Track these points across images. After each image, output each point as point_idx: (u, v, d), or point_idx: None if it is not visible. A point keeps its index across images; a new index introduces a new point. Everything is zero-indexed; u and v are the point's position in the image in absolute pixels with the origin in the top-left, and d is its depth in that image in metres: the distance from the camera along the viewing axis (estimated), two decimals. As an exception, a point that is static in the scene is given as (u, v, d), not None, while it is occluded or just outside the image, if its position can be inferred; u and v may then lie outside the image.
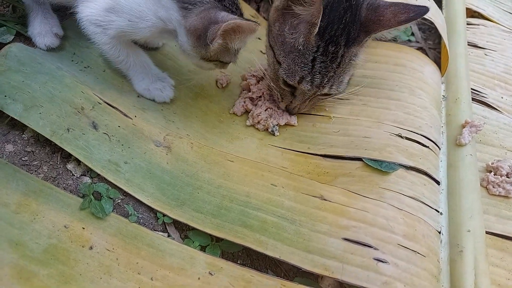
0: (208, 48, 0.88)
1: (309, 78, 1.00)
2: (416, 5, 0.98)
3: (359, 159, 1.03)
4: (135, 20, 0.91)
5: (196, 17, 0.87)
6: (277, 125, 1.12)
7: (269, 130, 1.12)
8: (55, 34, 1.08)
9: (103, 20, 0.93)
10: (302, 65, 0.99)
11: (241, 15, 0.93)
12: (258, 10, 1.49)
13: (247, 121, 1.13)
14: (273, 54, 1.04)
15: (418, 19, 0.97)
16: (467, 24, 1.51)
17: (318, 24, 0.93)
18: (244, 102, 1.15)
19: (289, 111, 1.13)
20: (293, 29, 0.98)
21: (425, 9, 0.96)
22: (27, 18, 1.09)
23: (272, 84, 1.10)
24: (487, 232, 0.99)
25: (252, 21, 0.85)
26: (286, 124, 1.13)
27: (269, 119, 1.11)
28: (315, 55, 0.98)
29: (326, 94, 1.06)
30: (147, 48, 1.16)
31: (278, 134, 1.12)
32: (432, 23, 1.41)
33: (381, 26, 0.97)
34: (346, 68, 1.03)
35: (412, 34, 1.55)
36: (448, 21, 1.48)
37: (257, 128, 1.12)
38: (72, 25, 1.14)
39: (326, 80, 1.01)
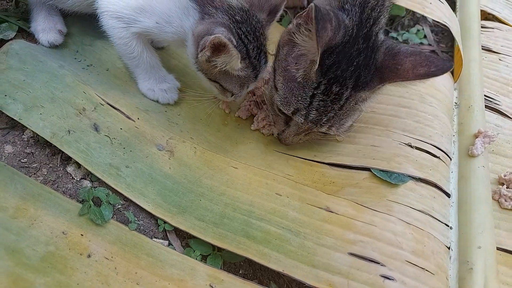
0: (198, 59, 0.88)
1: (304, 112, 0.92)
2: (439, 59, 0.89)
3: (367, 169, 1.00)
4: (163, 24, 0.93)
5: (203, 26, 0.87)
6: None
7: (274, 135, 1.08)
8: (58, 31, 1.06)
9: (128, 18, 0.93)
10: (299, 98, 0.91)
11: (256, 47, 0.90)
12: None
13: (252, 125, 1.10)
14: (274, 78, 0.97)
15: (439, 75, 0.87)
16: (481, 27, 1.46)
17: (318, 62, 0.85)
18: (250, 105, 1.12)
19: (280, 139, 1.04)
20: (296, 59, 0.90)
21: (449, 66, 0.86)
22: (30, 13, 1.07)
23: (268, 107, 1.03)
24: (498, 248, 0.95)
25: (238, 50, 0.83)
26: (293, 130, 1.09)
27: (274, 124, 1.08)
28: (315, 92, 0.90)
29: (324, 133, 0.97)
30: (153, 47, 1.13)
31: None
32: (445, 25, 1.37)
33: (397, 76, 0.88)
34: (350, 112, 0.94)
35: (425, 36, 1.51)
36: (461, 24, 1.43)
37: (262, 133, 1.09)
38: (76, 22, 1.12)
39: (325, 119, 0.93)
